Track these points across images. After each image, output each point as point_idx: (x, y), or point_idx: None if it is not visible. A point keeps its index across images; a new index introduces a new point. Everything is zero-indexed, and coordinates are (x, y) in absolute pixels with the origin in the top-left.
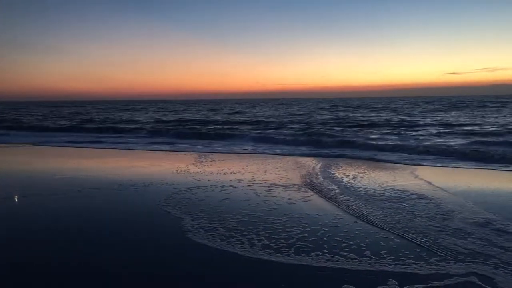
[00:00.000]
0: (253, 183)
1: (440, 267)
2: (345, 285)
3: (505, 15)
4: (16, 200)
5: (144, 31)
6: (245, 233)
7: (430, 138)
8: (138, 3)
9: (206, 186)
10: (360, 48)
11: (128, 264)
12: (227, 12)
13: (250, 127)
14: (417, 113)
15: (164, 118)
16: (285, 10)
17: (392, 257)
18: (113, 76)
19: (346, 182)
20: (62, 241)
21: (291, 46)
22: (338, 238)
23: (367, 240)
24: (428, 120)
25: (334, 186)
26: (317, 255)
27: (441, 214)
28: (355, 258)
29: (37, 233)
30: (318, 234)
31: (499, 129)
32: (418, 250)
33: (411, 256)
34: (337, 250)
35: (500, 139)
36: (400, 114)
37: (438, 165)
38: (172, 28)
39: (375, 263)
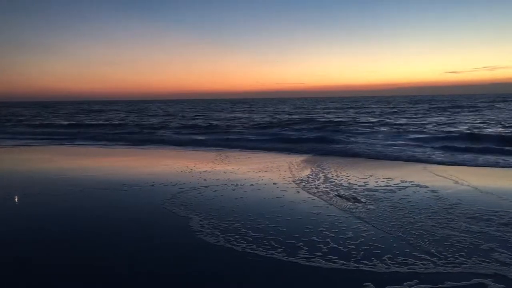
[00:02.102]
0: (255, 182)
1: (457, 268)
2: (366, 283)
3: (505, 14)
4: (18, 200)
5: (144, 31)
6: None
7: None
8: (138, 4)
9: (217, 185)
10: (360, 48)
11: (133, 265)
12: (227, 13)
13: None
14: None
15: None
16: (285, 10)
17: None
18: (113, 76)
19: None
20: (64, 241)
21: (291, 46)
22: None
23: (382, 241)
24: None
25: (325, 183)
26: (334, 256)
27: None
28: (373, 259)
29: (39, 233)
30: (333, 236)
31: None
32: (436, 251)
33: (430, 257)
34: (355, 251)
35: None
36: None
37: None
38: (172, 28)
39: (394, 264)
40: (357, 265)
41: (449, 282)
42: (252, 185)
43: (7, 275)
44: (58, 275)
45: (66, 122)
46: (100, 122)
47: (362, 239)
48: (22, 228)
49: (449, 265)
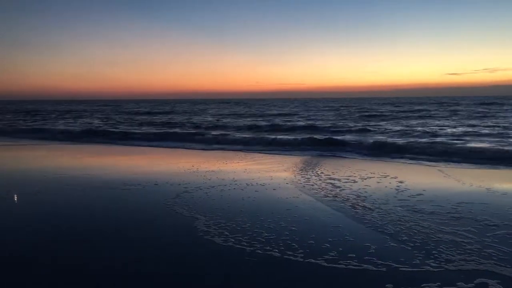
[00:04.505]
0: (255, 182)
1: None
2: (388, 285)
3: (505, 16)
4: (18, 199)
5: (144, 31)
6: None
7: None
8: (138, 3)
9: (224, 185)
10: (360, 48)
11: (135, 266)
12: (227, 12)
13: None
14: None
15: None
16: (285, 10)
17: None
18: (113, 76)
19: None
20: (65, 241)
21: (291, 46)
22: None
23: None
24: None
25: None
26: (355, 259)
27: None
28: (387, 261)
29: (39, 233)
30: (348, 238)
31: None
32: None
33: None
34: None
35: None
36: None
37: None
38: (172, 28)
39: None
40: (376, 267)
41: (463, 284)
42: (265, 184)
43: (7, 275)
44: (59, 275)
45: None
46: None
47: (370, 243)
48: (22, 228)
49: (458, 266)
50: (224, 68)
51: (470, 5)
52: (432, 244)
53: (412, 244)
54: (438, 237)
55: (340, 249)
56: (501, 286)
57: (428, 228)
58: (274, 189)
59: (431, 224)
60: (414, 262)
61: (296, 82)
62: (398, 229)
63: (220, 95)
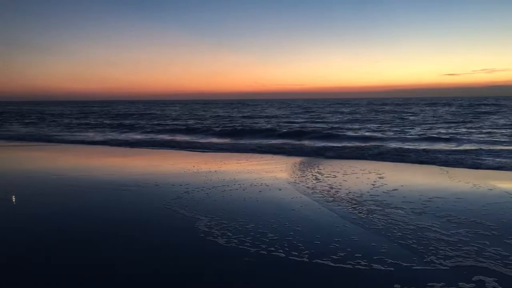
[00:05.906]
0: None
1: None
2: (396, 285)
3: (503, 16)
4: (18, 200)
5: (144, 31)
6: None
7: None
8: (138, 3)
9: (222, 186)
10: (359, 49)
11: (136, 266)
12: (227, 13)
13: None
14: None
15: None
16: (284, 10)
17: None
18: (113, 76)
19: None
20: (66, 242)
21: (290, 46)
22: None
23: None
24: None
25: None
26: (361, 259)
27: None
28: (403, 259)
29: (40, 234)
30: (354, 239)
31: None
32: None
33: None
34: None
35: None
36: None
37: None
38: (172, 28)
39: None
40: (383, 266)
41: (466, 284)
42: (268, 185)
43: (7, 275)
44: (59, 275)
45: None
46: None
47: (376, 243)
48: (22, 228)
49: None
50: (223, 68)
51: (468, 6)
52: (436, 245)
53: (411, 243)
54: (445, 238)
55: (349, 249)
56: (497, 284)
57: (435, 230)
58: (278, 189)
59: (438, 227)
60: (424, 261)
61: (295, 83)
62: (403, 231)
63: (219, 96)
